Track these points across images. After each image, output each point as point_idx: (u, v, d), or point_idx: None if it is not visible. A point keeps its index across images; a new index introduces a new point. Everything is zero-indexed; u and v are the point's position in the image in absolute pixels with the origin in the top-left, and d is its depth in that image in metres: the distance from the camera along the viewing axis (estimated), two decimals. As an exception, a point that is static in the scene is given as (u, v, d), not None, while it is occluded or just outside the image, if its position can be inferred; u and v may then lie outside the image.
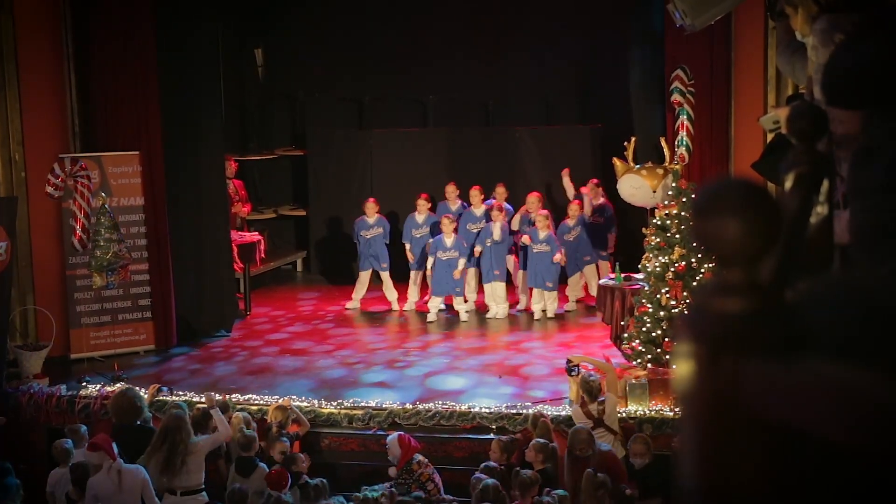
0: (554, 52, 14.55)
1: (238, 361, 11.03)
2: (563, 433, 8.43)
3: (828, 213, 2.23)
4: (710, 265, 9.08)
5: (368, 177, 14.69)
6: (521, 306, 12.73)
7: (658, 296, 9.56)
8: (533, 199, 12.68)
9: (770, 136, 4.68)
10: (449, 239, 12.33)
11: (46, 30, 11.18)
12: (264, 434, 8.39)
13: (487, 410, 9.03)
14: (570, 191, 12.86)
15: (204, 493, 7.46)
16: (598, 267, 12.58)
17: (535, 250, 12.17)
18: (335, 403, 9.36)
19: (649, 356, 9.40)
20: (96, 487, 7.24)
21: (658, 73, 11.34)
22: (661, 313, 9.48)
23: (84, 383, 10.00)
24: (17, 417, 9.70)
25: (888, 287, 1.37)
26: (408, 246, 12.86)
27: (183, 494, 7.36)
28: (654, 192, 10.57)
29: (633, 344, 9.55)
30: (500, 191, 12.96)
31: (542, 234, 12.19)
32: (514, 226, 12.70)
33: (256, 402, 9.42)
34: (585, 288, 12.75)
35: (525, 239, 12.37)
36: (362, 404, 9.34)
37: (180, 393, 9.67)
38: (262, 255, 13.63)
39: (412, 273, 12.88)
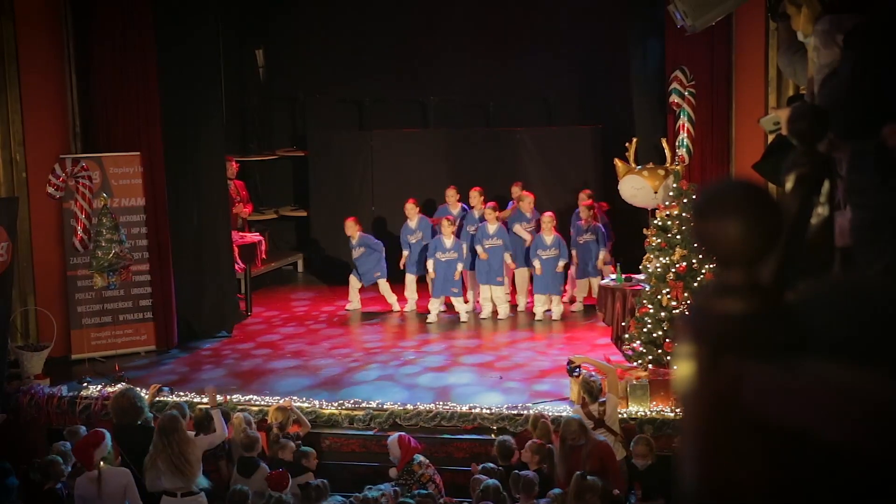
0: (554, 53, 14.56)
1: (239, 362, 11.02)
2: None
3: (828, 213, 2.23)
4: (711, 266, 9.08)
5: (369, 178, 14.70)
6: (520, 307, 12.73)
7: (659, 296, 9.56)
8: (527, 199, 12.71)
9: (770, 138, 4.68)
10: (448, 240, 12.34)
11: (47, 31, 11.18)
12: (265, 435, 8.39)
13: (488, 411, 9.03)
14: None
15: (203, 494, 7.45)
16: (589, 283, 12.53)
17: (544, 256, 12.17)
18: (336, 404, 9.37)
19: (650, 357, 9.40)
20: (81, 488, 7.26)
21: (659, 73, 11.34)
22: (662, 314, 9.48)
23: (85, 384, 10.00)
24: (17, 418, 9.70)
25: (887, 288, 1.38)
26: (405, 253, 12.81)
27: (183, 496, 7.35)
28: (656, 192, 10.57)
29: (634, 345, 9.55)
30: (515, 190, 13.00)
31: (549, 239, 12.19)
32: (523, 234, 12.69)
33: (257, 402, 9.42)
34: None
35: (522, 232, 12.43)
36: (363, 405, 9.34)
37: (181, 393, 9.68)
38: (263, 256, 13.64)
39: (408, 277, 12.86)
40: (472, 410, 9.06)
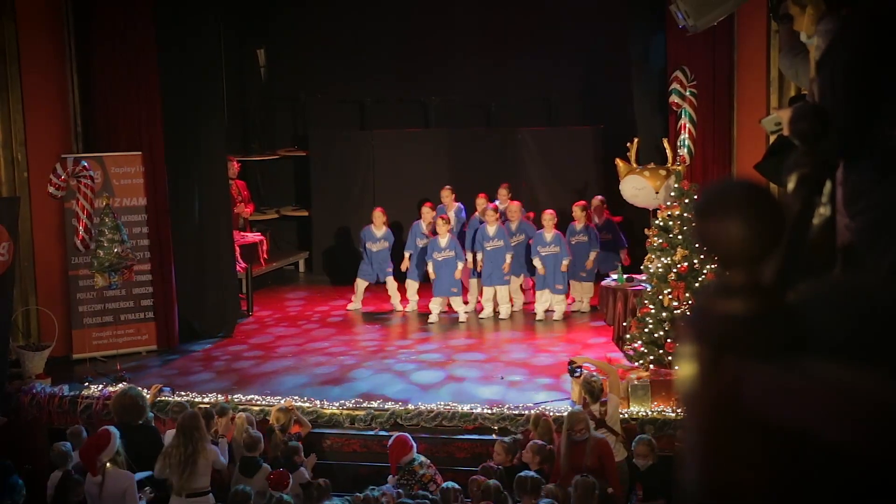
0: (556, 53, 14.56)
1: (239, 362, 11.03)
2: (564, 433, 8.45)
3: (830, 214, 2.23)
4: (713, 266, 9.08)
5: (370, 178, 14.71)
6: (517, 307, 12.73)
7: (660, 297, 9.56)
8: (514, 207, 12.67)
9: (772, 138, 4.67)
10: (443, 239, 12.33)
11: (48, 31, 11.19)
12: (266, 435, 8.40)
13: (489, 411, 9.03)
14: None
15: (210, 495, 7.46)
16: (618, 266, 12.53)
17: (544, 253, 12.17)
18: (337, 404, 9.37)
19: (651, 357, 9.40)
20: (87, 487, 7.30)
21: (660, 74, 11.34)
22: (664, 314, 9.48)
23: (86, 384, 10.01)
24: (19, 418, 9.71)
25: (888, 288, 1.38)
26: (407, 254, 12.77)
27: (189, 496, 7.36)
28: (657, 193, 10.57)
29: (636, 345, 9.55)
30: (503, 192, 12.98)
31: (549, 236, 12.18)
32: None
33: (258, 402, 9.43)
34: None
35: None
36: (364, 405, 9.34)
37: (182, 393, 9.68)
38: (265, 256, 13.65)
39: (409, 281, 12.85)
40: (474, 410, 9.06)
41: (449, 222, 12.49)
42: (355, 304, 13.11)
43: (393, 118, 15.39)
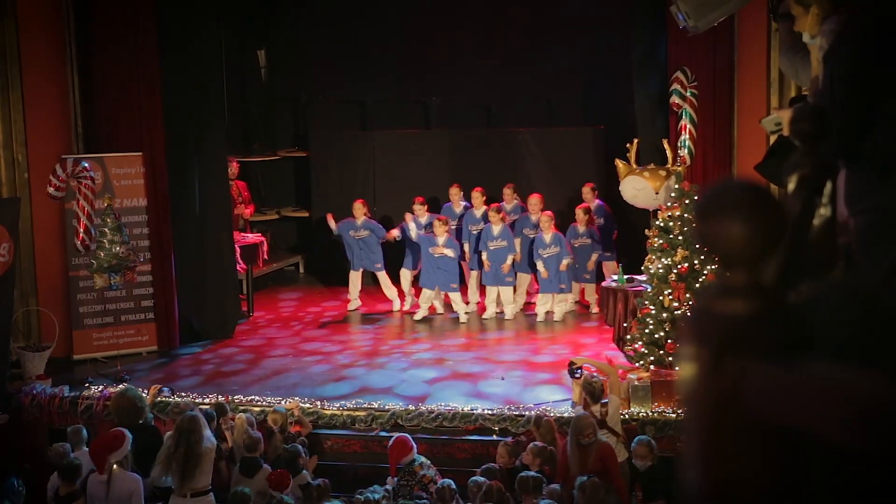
0: (556, 53, 14.57)
1: (239, 363, 11.03)
2: (567, 434, 8.43)
3: (830, 215, 2.23)
4: (713, 267, 9.08)
5: (371, 178, 14.70)
6: (518, 307, 12.73)
7: (661, 297, 9.56)
8: (534, 200, 12.68)
9: (772, 138, 4.67)
10: (441, 238, 12.34)
11: (49, 31, 11.19)
12: (266, 436, 8.40)
13: (490, 412, 9.03)
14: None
15: (212, 494, 7.46)
16: (603, 267, 12.57)
17: (545, 255, 12.17)
18: (338, 405, 9.37)
19: (652, 358, 9.40)
20: (92, 487, 7.28)
21: (661, 74, 11.34)
22: (664, 315, 9.48)
23: (87, 384, 10.01)
24: (19, 418, 9.71)
25: (888, 288, 1.38)
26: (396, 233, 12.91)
27: (192, 496, 7.36)
28: (657, 193, 10.58)
29: (636, 346, 9.55)
30: (508, 192, 13.01)
31: (548, 237, 12.18)
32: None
33: (259, 403, 9.43)
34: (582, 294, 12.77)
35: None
36: (365, 406, 9.34)
37: (182, 394, 9.68)
38: (265, 257, 13.65)
39: (403, 270, 12.90)
40: (474, 411, 9.06)
41: (447, 223, 12.50)
42: (353, 301, 13.13)
43: (393, 119, 15.40)
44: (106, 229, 10.61)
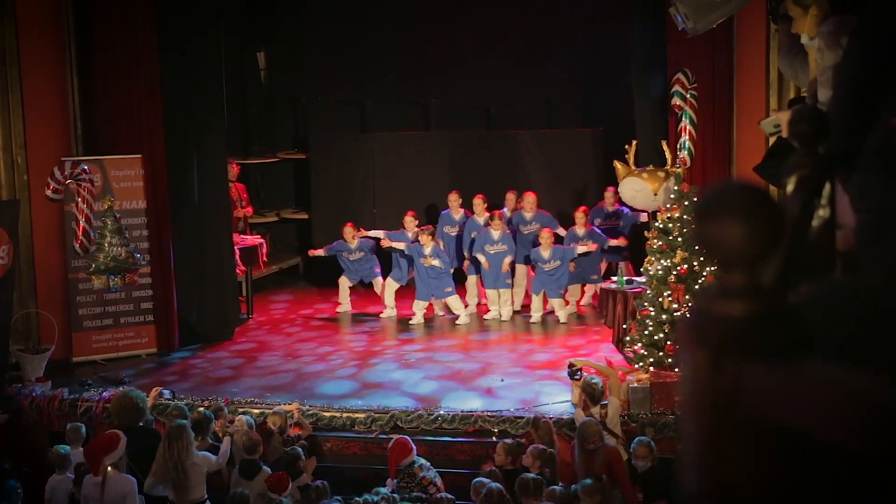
0: (556, 55, 14.57)
1: (240, 364, 11.03)
2: (565, 436, 8.44)
3: (829, 216, 2.23)
4: (712, 268, 9.08)
5: (370, 180, 14.70)
6: (516, 306, 12.73)
7: (660, 299, 9.56)
8: (530, 198, 12.69)
9: (771, 140, 4.68)
10: (428, 248, 12.37)
11: (49, 33, 11.19)
12: (266, 438, 8.40)
13: (490, 413, 9.03)
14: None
15: (208, 502, 7.45)
16: (618, 267, 12.57)
17: (545, 268, 12.17)
18: (337, 407, 9.37)
19: (651, 359, 9.39)
20: (86, 489, 7.28)
21: (660, 76, 11.34)
22: (663, 317, 9.47)
23: (86, 386, 10.01)
24: (19, 420, 9.70)
25: (888, 288, 1.38)
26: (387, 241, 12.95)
27: None
28: (656, 195, 10.58)
29: (635, 347, 9.54)
30: (511, 197, 13.03)
31: (547, 254, 12.15)
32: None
33: (258, 405, 9.43)
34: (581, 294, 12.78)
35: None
36: (364, 408, 9.34)
37: (182, 396, 9.68)
38: (265, 259, 13.65)
39: (389, 280, 12.97)
40: (473, 413, 9.06)
41: (433, 235, 12.52)
42: (344, 305, 13.17)
43: (393, 121, 15.40)
44: (106, 231, 10.61)
